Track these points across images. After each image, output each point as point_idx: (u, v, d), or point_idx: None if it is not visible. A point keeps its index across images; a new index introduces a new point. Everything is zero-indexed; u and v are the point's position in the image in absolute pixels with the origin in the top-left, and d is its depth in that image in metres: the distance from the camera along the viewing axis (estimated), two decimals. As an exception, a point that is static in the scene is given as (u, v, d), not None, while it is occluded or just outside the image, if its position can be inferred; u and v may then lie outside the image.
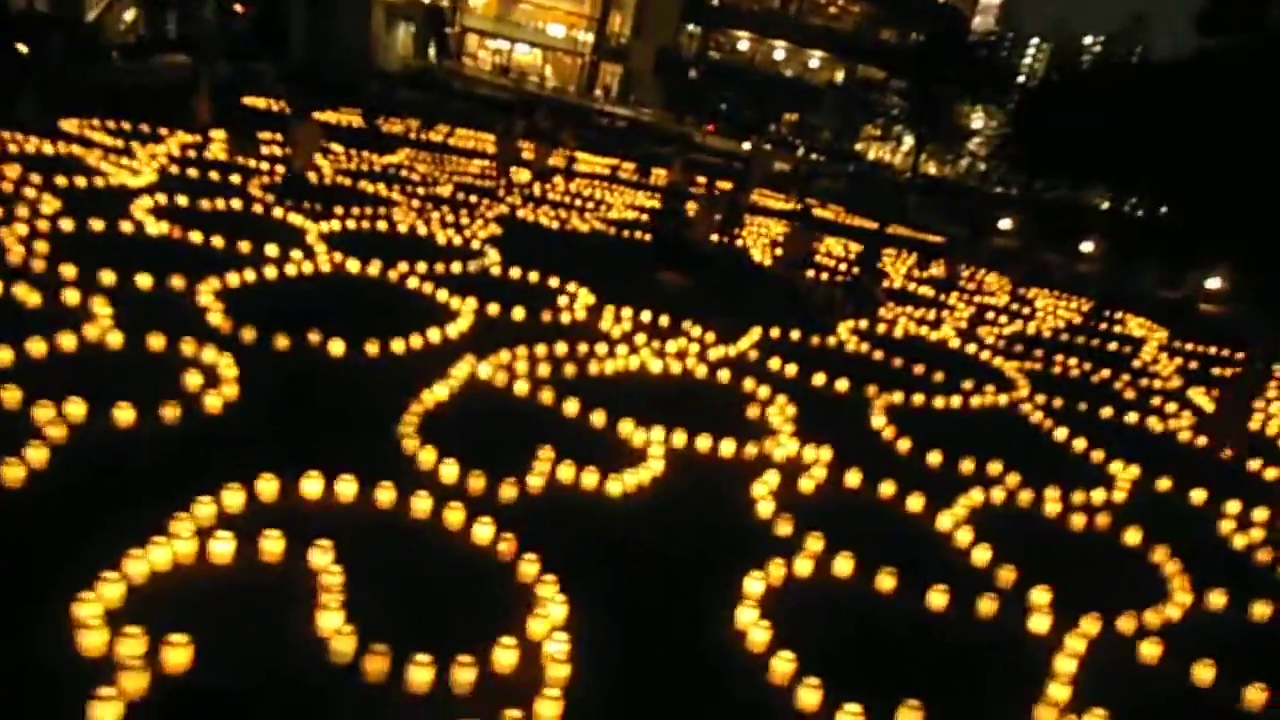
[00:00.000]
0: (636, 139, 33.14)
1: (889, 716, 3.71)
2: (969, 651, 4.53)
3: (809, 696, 3.76)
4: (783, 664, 3.91)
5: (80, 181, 10.19)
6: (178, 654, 3.24)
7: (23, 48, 20.18)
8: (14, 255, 7.20)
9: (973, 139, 44.25)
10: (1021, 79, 50.47)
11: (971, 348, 11.30)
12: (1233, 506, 7.15)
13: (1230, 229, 26.31)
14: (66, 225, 8.37)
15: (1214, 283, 23.07)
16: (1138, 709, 4.26)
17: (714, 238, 13.85)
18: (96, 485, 4.35)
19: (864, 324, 11.28)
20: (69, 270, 6.97)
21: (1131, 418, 9.49)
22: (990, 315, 14.01)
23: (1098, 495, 6.83)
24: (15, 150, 11.10)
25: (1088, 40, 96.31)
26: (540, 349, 7.50)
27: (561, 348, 7.67)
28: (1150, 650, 4.69)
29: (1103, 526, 6.35)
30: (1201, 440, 9.19)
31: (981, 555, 5.42)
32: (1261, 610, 5.46)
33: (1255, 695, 4.44)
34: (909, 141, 44.80)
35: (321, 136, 14.04)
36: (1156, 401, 10.48)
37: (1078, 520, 6.36)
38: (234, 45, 29.19)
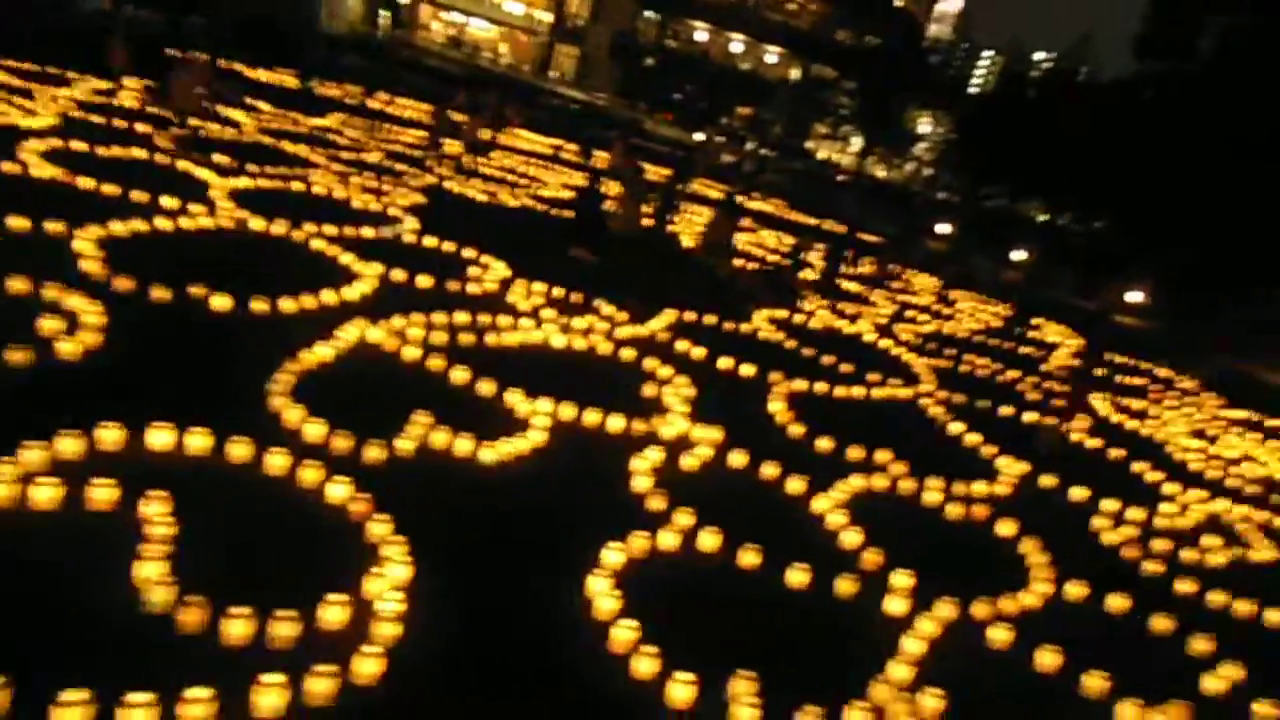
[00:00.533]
0: (585, 122, 32.89)
1: (722, 685, 3.71)
2: (821, 629, 4.56)
3: (645, 665, 3.74)
4: (623, 632, 3.88)
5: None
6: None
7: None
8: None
9: (920, 143, 44.88)
10: (974, 89, 51.31)
11: (886, 343, 11.45)
12: (1109, 505, 7.35)
13: (1157, 245, 27.21)
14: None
15: (1135, 296, 23.79)
16: (979, 692, 4.34)
17: (646, 222, 13.81)
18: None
19: (782, 314, 11.35)
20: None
21: (1030, 417, 9.70)
22: (911, 314, 14.23)
23: (979, 488, 6.95)
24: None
25: (1038, 56, 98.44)
26: (439, 317, 7.37)
27: (462, 317, 7.54)
28: (999, 636, 4.78)
29: (979, 517, 6.47)
30: (1093, 442, 9.44)
31: (851, 538, 5.47)
32: (1118, 603, 5.60)
33: (1095, 683, 4.55)
34: (857, 142, 45.31)
35: (205, 80, 13.54)
36: (1059, 404, 10.74)
37: (955, 510, 6.46)
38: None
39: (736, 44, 58.29)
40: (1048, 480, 7.63)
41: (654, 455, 5.85)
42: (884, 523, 5.88)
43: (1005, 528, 6.32)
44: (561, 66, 64.60)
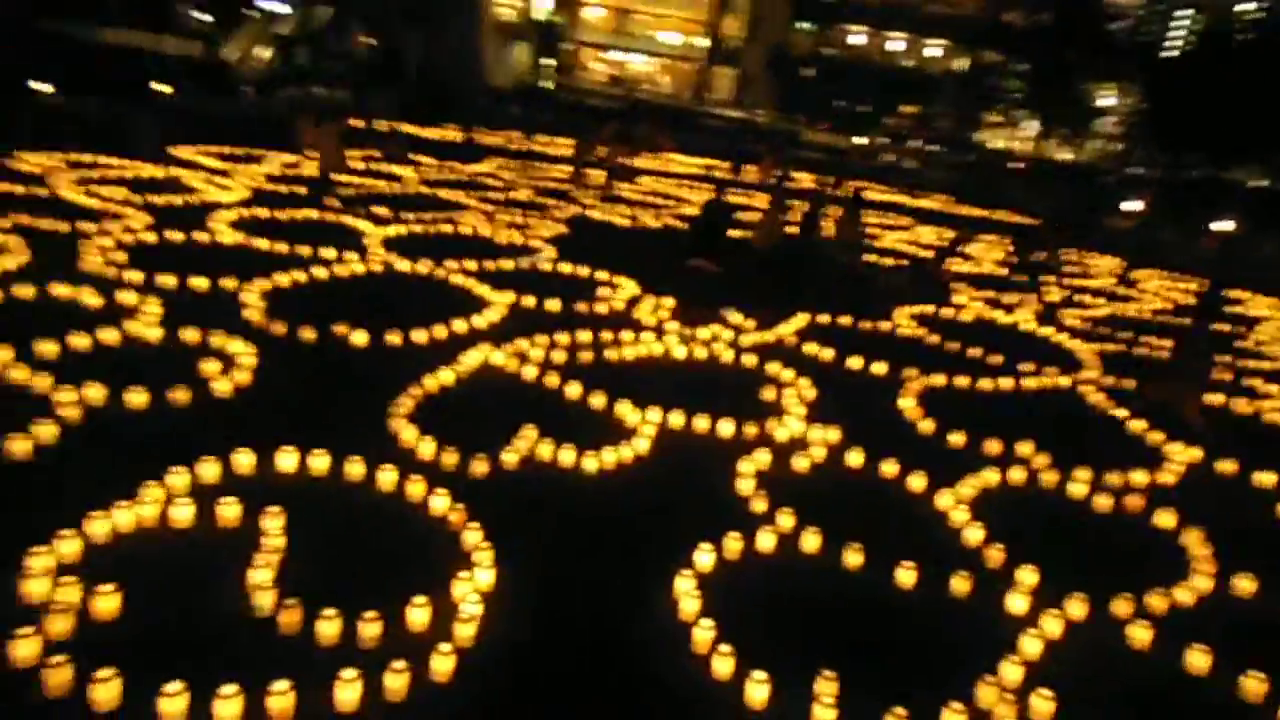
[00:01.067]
0: (737, 139, 32.96)
1: (804, 687, 3.60)
2: (928, 629, 4.31)
3: (723, 665, 3.70)
4: (702, 633, 3.86)
5: (176, 200, 11.11)
6: (106, 601, 3.53)
7: (164, 88, 22.17)
8: (89, 263, 7.93)
9: (1104, 118, 41.47)
10: (1171, 54, 46.85)
11: (1047, 331, 10.67)
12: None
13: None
14: (149, 237, 9.16)
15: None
16: (1104, 693, 3.96)
17: (789, 230, 13.65)
18: (93, 458, 4.76)
19: (928, 309, 10.85)
20: (133, 275, 7.65)
21: (1217, 399, 8.71)
22: (1081, 298, 13.20)
23: (1138, 477, 6.32)
24: (123, 174, 12.22)
25: (1244, 7, 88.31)
26: (562, 337, 7.64)
27: (585, 336, 7.77)
28: (1139, 634, 4.33)
29: (1133, 508, 5.89)
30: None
31: (974, 535, 5.14)
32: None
33: (1253, 686, 4.02)
34: (1033, 126, 42.53)
35: (340, 140, 14.66)
36: (1256, 383, 9.59)
37: (1103, 501, 5.91)
38: (355, 74, 30.99)
39: (896, 43, 56.44)
40: (1227, 466, 6.83)
41: (761, 458, 5.77)
42: (1015, 518, 5.51)
43: (1164, 519, 5.71)
44: (720, 88, 65.12)
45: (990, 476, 6.00)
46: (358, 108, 24.20)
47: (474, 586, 3.98)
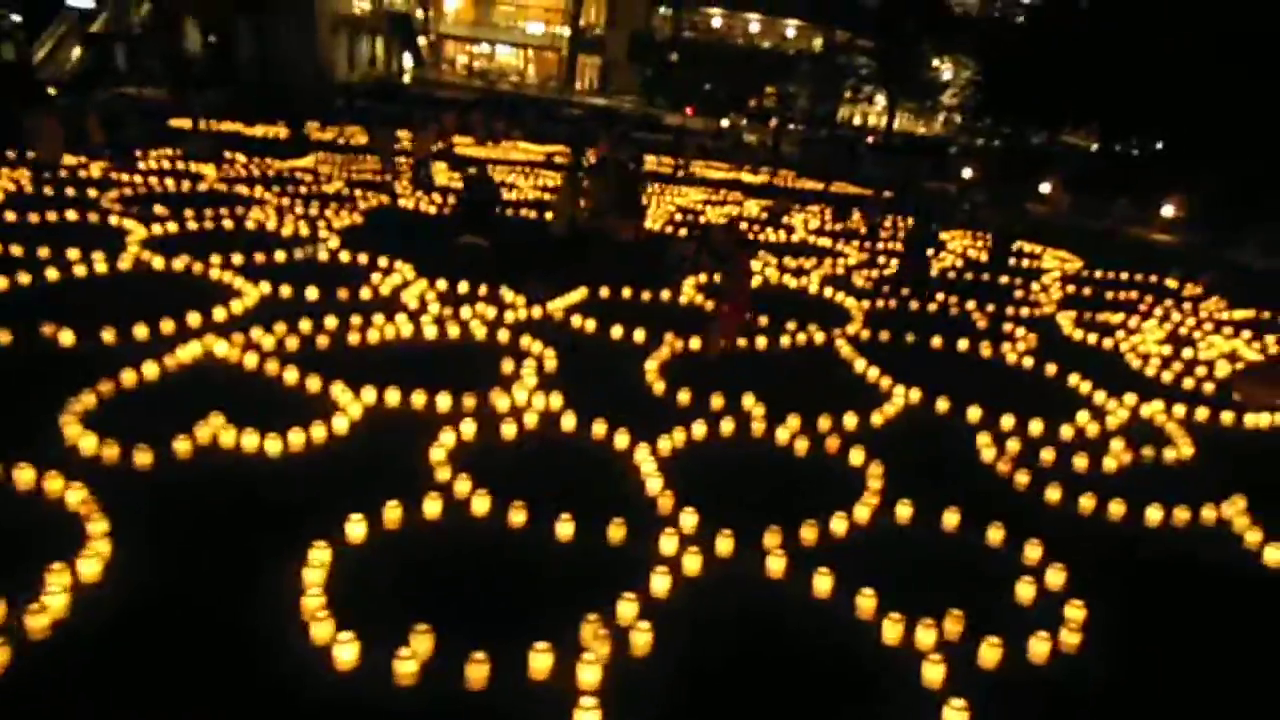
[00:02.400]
0: (590, 126, 32.95)
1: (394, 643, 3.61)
2: (571, 578, 4.39)
3: (321, 630, 3.68)
4: (312, 600, 3.83)
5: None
6: None
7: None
8: None
9: (946, 92, 43.31)
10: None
11: (830, 291, 11.06)
12: (1006, 421, 6.90)
13: (1203, 158, 25.48)
14: None
15: (1168, 210, 22.38)
16: (733, 620, 4.12)
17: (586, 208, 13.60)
18: None
19: (717, 278, 11.08)
20: None
21: (963, 344, 9.20)
22: (883, 260, 13.75)
23: (850, 420, 6.61)
24: None
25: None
26: (304, 324, 7.46)
27: (331, 322, 7.61)
28: (775, 564, 4.53)
29: (830, 450, 6.17)
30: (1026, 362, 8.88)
31: (654, 484, 5.28)
32: (951, 519, 5.24)
33: (865, 603, 4.26)
34: (881, 101, 44.05)
35: (61, 130, 14.13)
36: (1008, 328, 10.19)
37: (801, 445, 6.17)
38: (178, 72, 29.62)
39: (754, 24, 57.53)
40: (943, 405, 7.22)
41: (466, 429, 5.78)
42: (708, 467, 5.68)
43: (856, 457, 5.99)
44: (586, 77, 65.10)
45: (697, 430, 6.17)
46: (179, 107, 23.14)
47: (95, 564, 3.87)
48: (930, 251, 12.76)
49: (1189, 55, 25.92)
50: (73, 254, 8.84)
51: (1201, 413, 7.69)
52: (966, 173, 28.89)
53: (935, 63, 43.22)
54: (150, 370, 6.18)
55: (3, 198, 11.39)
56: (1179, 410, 7.69)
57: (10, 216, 10.30)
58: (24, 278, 8.01)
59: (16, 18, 29.18)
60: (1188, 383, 8.69)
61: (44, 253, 8.79)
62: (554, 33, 66.82)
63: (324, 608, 3.77)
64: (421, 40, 60.00)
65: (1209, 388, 8.59)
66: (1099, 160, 33.47)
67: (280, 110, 24.62)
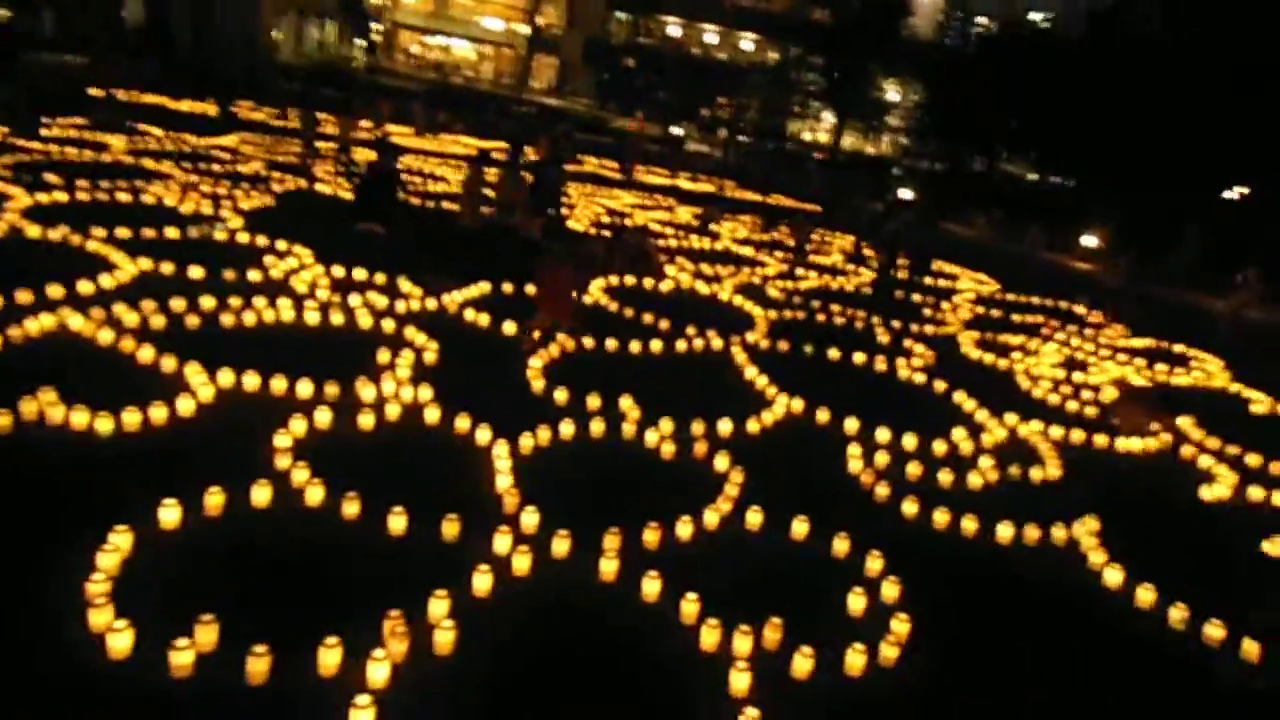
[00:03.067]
0: (538, 124, 32.77)
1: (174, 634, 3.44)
2: (391, 576, 4.25)
3: (98, 616, 3.49)
4: (96, 587, 3.63)
5: None
6: None
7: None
8: None
9: (892, 113, 44.02)
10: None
11: (741, 301, 11.07)
12: (882, 434, 6.94)
13: (1117, 191, 26.30)
14: None
15: (1090, 241, 22.99)
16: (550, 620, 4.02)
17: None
18: None
19: (628, 280, 11.02)
20: None
21: (859, 358, 9.26)
22: (800, 272, 13.86)
23: (725, 426, 6.57)
24: None
25: (1035, 16, 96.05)
26: (178, 303, 7.19)
27: (208, 302, 7.35)
28: (608, 567, 4.44)
29: (699, 454, 6.12)
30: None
31: (503, 482, 5.16)
32: (800, 529, 5.21)
33: (690, 609, 4.19)
34: (829, 118, 44.61)
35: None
36: (909, 344, 10.30)
37: (668, 449, 6.11)
38: (112, 42, 28.71)
39: (711, 35, 57.85)
40: (823, 416, 7.23)
41: (321, 417, 5.59)
42: (565, 467, 5.61)
43: (720, 462, 5.95)
44: (543, 77, 64.80)
45: (564, 429, 6.07)
46: (100, 75, 22.38)
47: None
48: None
49: (1119, 94, 26.78)
50: (-63, 219, 8.44)
51: (1078, 435, 7.83)
52: (906, 193, 29.36)
53: (882, 84, 43.87)
54: (-6, 340, 5.89)
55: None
56: (1056, 431, 7.82)
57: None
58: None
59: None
60: (1072, 405, 8.86)
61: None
62: (512, 30, 66.41)
63: (106, 594, 3.57)
64: (376, 27, 59.20)
65: (1091, 411, 8.77)
66: (1027, 188, 34.34)
67: (212, 87, 24.00)
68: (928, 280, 15.13)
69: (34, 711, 3.14)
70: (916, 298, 13.38)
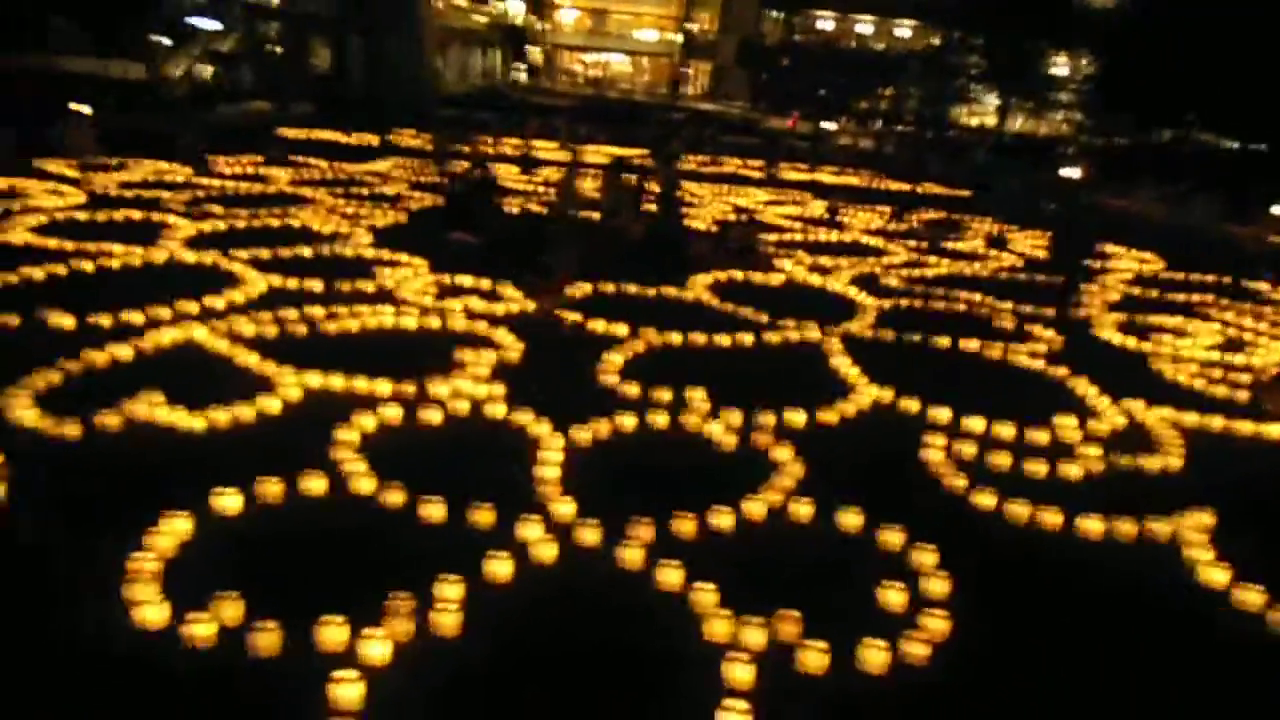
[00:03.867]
0: (680, 129, 32.99)
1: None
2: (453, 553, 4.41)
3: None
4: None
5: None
6: None
7: (83, 108, 22.66)
8: None
9: (1062, 89, 40.96)
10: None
11: (853, 289, 10.68)
12: (975, 423, 6.48)
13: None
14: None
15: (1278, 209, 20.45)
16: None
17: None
18: None
19: (736, 275, 10.89)
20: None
21: (973, 344, 8.69)
22: (933, 259, 13.19)
23: (796, 417, 6.36)
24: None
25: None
26: (289, 313, 7.79)
27: (317, 311, 7.93)
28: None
29: (760, 443, 5.96)
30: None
31: (551, 474, 5.24)
32: (852, 520, 4.96)
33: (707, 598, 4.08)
34: (993, 101, 42.14)
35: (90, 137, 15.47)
36: (1033, 328, 9.55)
37: (730, 440, 5.98)
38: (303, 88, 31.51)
39: (866, 26, 56.25)
40: (910, 405, 6.84)
41: (390, 413, 5.90)
42: (618, 458, 5.61)
43: (783, 452, 5.76)
44: (698, 82, 65.26)
45: (626, 421, 6.08)
46: (279, 118, 24.61)
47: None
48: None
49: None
50: (116, 249, 9.56)
51: (1216, 421, 7.00)
52: (1074, 172, 27.27)
53: (1051, 59, 40.96)
54: (123, 351, 6.61)
55: (86, 199, 12.39)
56: (1190, 418, 7.02)
57: (82, 216, 11.24)
58: (60, 269, 8.70)
59: (168, 40, 31.64)
60: (1220, 390, 7.93)
61: (89, 248, 9.55)
62: (667, 39, 67.38)
63: (151, 573, 3.93)
64: (536, 50, 61.61)
65: (1242, 396, 7.81)
66: (1223, 157, 30.95)
67: (377, 120, 25.82)
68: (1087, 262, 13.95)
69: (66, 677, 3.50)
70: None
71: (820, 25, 56.70)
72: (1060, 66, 42.11)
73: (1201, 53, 29.30)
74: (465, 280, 9.37)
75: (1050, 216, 17.03)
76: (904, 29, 54.42)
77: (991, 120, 46.76)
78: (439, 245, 10.55)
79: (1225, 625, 4.41)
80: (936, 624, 4.02)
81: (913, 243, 14.48)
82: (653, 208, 12.33)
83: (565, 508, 4.80)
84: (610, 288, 9.73)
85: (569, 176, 11.93)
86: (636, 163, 15.65)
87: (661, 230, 11.24)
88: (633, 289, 9.82)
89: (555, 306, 8.57)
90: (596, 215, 11.95)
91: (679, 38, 65.77)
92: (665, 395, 6.61)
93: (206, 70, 31.85)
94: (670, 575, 4.26)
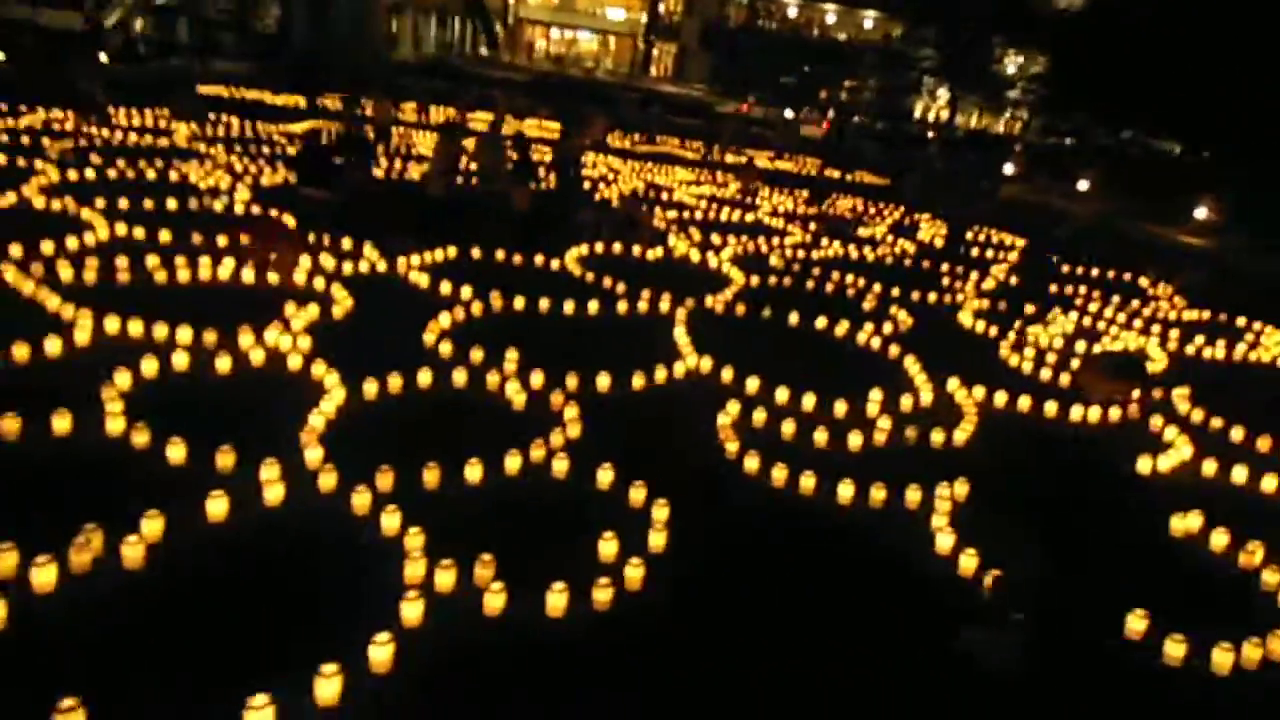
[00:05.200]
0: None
1: None
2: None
3: None
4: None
5: None
6: None
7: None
8: None
9: (1012, 87, 41.36)
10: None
11: (730, 267, 10.74)
12: (780, 395, 6.58)
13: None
14: None
15: (1201, 213, 20.89)
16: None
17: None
18: None
19: (614, 248, 10.90)
20: None
21: (821, 323, 8.79)
22: (826, 241, 13.28)
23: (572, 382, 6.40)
24: None
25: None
26: (121, 260, 7.68)
27: (152, 260, 7.83)
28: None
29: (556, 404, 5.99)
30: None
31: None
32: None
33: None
34: (944, 95, 42.46)
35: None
36: (896, 311, 9.68)
37: (520, 399, 6.01)
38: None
39: (830, 15, 56.23)
40: (726, 374, 6.91)
41: (177, 360, 5.86)
42: (420, 413, 5.60)
43: (571, 411, 5.79)
44: (662, 64, 64.93)
45: (423, 379, 6.08)
46: (206, 74, 24.15)
47: None
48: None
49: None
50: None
51: (1024, 402, 7.14)
52: (1007, 169, 27.61)
53: (1002, 56, 41.30)
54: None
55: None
56: (1000, 398, 7.16)
57: None
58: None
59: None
60: (1046, 373, 8.10)
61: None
62: (634, 19, 66.88)
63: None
64: (499, 24, 60.86)
65: (1065, 380, 7.99)
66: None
67: (314, 82, 25.41)
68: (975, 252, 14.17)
69: None
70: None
71: (788, 13, 56.58)
72: (1012, 64, 42.43)
73: (1150, 56, 29.72)
74: (327, 239, 9.29)
75: (963, 209, 17.23)
76: (868, 19, 54.49)
77: (937, 114, 47.10)
78: (293, 200, 10.44)
79: (946, 590, 4.51)
80: (633, 572, 4.08)
81: (814, 226, 14.57)
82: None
83: (312, 454, 4.79)
84: (477, 254, 9.70)
85: (443, 144, 11.80)
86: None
87: (547, 202, 11.17)
88: (501, 256, 9.80)
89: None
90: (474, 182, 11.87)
91: (645, 18, 65.34)
92: (478, 356, 6.61)
93: (139, 23, 31.14)
94: (390, 520, 4.28)
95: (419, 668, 3.43)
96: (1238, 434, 6.97)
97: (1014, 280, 12.37)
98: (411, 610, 3.65)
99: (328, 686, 3.16)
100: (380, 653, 3.38)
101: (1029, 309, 10.44)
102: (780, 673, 3.75)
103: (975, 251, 14.18)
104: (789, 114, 43.39)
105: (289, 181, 12.35)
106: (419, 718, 3.32)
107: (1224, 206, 20.70)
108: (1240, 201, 20.64)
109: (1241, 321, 11.27)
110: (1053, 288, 12.10)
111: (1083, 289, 12.27)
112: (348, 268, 8.56)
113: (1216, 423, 7.17)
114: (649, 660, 3.76)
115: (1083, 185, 24.48)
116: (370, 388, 5.80)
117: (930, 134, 40.85)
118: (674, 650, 3.82)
